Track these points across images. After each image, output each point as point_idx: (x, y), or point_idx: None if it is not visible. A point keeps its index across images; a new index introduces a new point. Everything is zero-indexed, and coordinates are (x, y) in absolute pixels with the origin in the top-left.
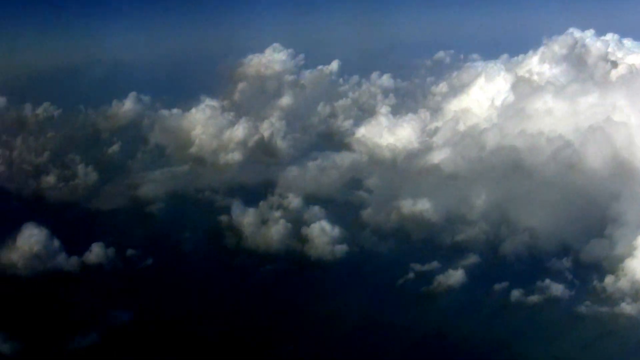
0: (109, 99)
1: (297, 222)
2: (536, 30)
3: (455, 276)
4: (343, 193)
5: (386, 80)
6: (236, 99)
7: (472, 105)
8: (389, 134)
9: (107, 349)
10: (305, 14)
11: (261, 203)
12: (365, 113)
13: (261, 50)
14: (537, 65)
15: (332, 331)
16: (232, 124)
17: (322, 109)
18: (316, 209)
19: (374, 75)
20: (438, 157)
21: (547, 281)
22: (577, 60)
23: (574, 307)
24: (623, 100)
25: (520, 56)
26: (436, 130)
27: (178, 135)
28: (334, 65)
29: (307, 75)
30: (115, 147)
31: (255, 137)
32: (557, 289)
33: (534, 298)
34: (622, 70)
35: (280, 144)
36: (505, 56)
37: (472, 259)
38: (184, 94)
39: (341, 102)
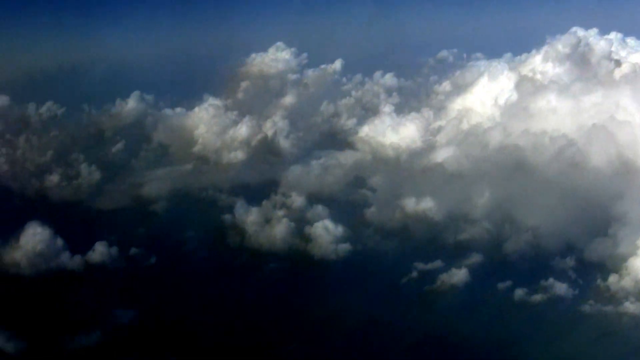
0: (112, 98)
1: (301, 221)
2: (539, 29)
3: (459, 275)
4: (346, 192)
5: (389, 79)
6: (239, 98)
7: (475, 104)
8: (393, 132)
9: (111, 348)
10: (309, 13)
11: (264, 202)
12: (368, 112)
13: (264, 49)
14: (540, 64)
15: (335, 330)
16: (235, 123)
17: (326, 108)
18: (319, 207)
19: (377, 74)
20: (441, 156)
21: (551, 280)
22: (580, 59)
23: (578, 306)
24: (627, 99)
25: (524, 55)
26: (439, 129)
27: (181, 134)
28: (337, 64)
29: (310, 74)
30: (118, 146)
31: (259, 136)
32: (561, 288)
33: (537, 297)
34: (626, 69)
35: (284, 143)
36: (508, 55)
37: (476, 258)
38: (187, 93)
39: (344, 101)
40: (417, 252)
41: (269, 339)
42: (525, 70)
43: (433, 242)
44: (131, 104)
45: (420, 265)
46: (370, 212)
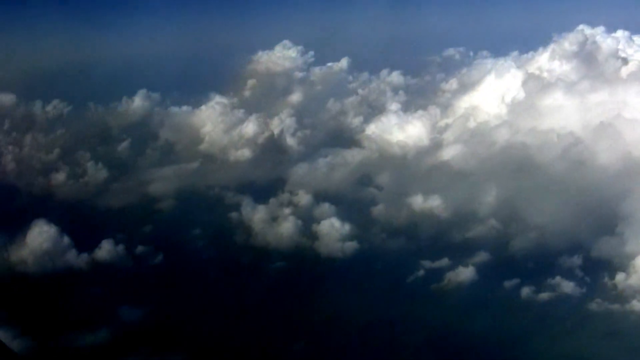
0: (118, 96)
1: (307, 219)
2: (546, 27)
3: (466, 273)
4: (353, 190)
5: (396, 77)
6: (246, 96)
7: (482, 102)
8: (399, 130)
9: (117, 346)
10: (315, 11)
11: (271, 200)
12: (375, 110)
13: (271, 47)
14: (547, 62)
15: (341, 328)
16: (241, 121)
17: (332, 106)
18: (326, 206)
19: (384, 72)
20: (448, 153)
21: (558, 278)
22: (587, 57)
23: (585, 304)
24: (633, 96)
25: (530, 53)
26: (446, 127)
27: (188, 132)
28: (344, 62)
29: (317, 72)
30: (125, 144)
31: (265, 134)
32: (568, 286)
33: (544, 295)
34: (633, 67)
35: (290, 141)
36: (515, 53)
37: (483, 256)
38: (194, 91)
39: (351, 99)
40: (424, 250)
41: (276, 338)
42: (532, 68)
43: (440, 240)
44: (137, 102)
45: (427, 263)
46: (377, 210)
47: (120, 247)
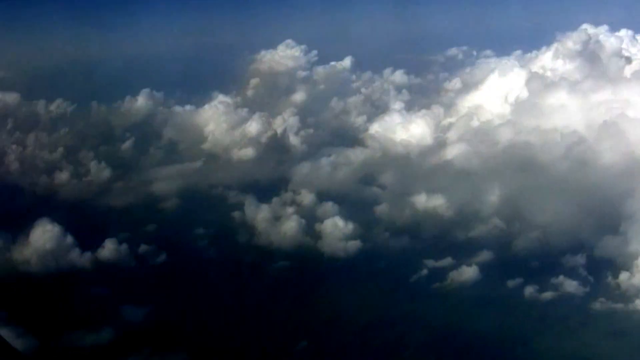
0: (122, 96)
1: (311, 218)
2: (549, 26)
3: (469, 272)
4: (356, 189)
5: (399, 76)
6: (249, 95)
7: (485, 101)
8: (403, 130)
9: (121, 345)
10: (318, 10)
11: (274, 199)
12: (378, 109)
13: (274, 46)
14: (550, 61)
15: (344, 328)
16: (245, 120)
17: (335, 105)
18: (329, 205)
19: (387, 71)
20: (451, 153)
21: (561, 277)
22: (590, 56)
23: (588, 303)
24: (637, 96)
25: (534, 52)
26: (450, 126)
27: (191, 132)
28: (347, 61)
29: (320, 71)
30: (128, 144)
31: (268, 133)
32: (571, 285)
33: (547, 295)
34: (636, 66)
35: (293, 140)
36: (518, 52)
37: (486, 255)
38: (197, 90)
39: (354, 99)
40: (427, 249)
41: (279, 337)
42: (536, 67)
43: (443, 239)
44: (141, 101)
45: (431, 263)
46: (381, 209)
47: (124, 247)
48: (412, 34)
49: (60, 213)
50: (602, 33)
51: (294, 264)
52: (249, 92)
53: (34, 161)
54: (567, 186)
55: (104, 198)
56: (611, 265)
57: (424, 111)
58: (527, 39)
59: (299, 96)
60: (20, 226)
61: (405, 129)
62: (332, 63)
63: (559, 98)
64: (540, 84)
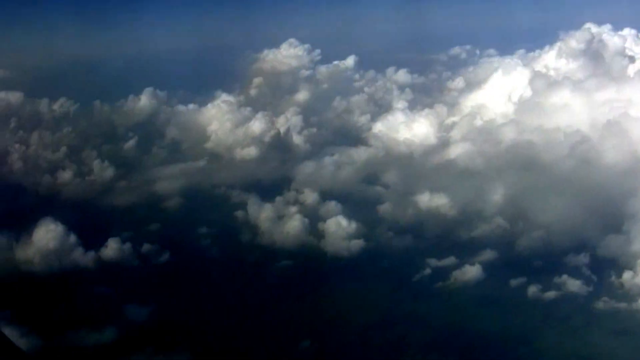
0: (125, 95)
1: (314, 218)
2: (552, 25)
3: (472, 272)
4: (359, 188)
5: (402, 75)
6: (252, 95)
7: (488, 100)
8: (406, 129)
9: (124, 344)
10: (321, 10)
11: (277, 198)
12: (381, 108)
13: (277, 45)
14: (554, 60)
15: (348, 326)
16: (248, 119)
17: (338, 104)
18: (332, 204)
19: (390, 70)
20: (455, 152)
21: (564, 277)
22: (594, 55)
23: (592, 303)
24: None
25: (537, 51)
26: (453, 125)
27: (194, 131)
28: (350, 60)
29: (323, 70)
30: (131, 143)
31: (272, 133)
32: (574, 284)
33: (551, 294)
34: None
35: (297, 139)
36: (521, 51)
37: (489, 254)
38: (200, 90)
39: (357, 98)
40: (430, 248)
41: (282, 336)
42: (539, 66)
43: (446, 238)
44: (144, 101)
45: (434, 262)
46: (384, 209)
47: (127, 246)
48: (415, 33)
49: (64, 212)
50: (605, 32)
51: (297, 263)
52: (252, 91)
53: (37, 160)
54: (570, 185)
55: (107, 197)
56: (614, 265)
57: (427, 110)
58: (530, 38)
59: (302, 95)
60: (23, 225)
61: (409, 128)
62: (335, 62)
63: (562, 97)
64: (543, 83)
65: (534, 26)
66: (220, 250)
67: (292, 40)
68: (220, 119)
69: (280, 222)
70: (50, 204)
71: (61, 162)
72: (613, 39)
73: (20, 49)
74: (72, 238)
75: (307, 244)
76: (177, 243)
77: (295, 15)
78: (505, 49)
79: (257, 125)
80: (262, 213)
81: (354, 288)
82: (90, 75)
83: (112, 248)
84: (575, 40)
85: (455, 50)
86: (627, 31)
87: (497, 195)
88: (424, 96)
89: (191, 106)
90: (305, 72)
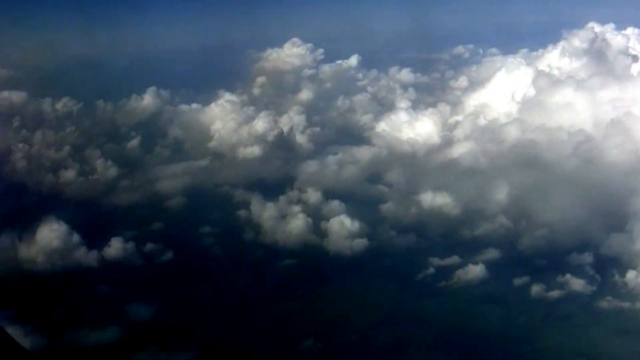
0: (128, 94)
1: (317, 217)
2: (556, 24)
3: (475, 271)
4: (362, 187)
5: (405, 74)
6: (255, 94)
7: (492, 99)
8: (409, 128)
9: (127, 343)
10: (324, 9)
11: (280, 197)
12: (384, 107)
13: (280, 44)
14: (557, 59)
15: (351, 326)
16: (251, 118)
17: (342, 103)
18: (336, 203)
19: (393, 69)
20: (458, 151)
21: (568, 276)
22: (597, 54)
23: (595, 302)
24: None
25: (540, 50)
26: (456, 124)
27: (197, 130)
28: (353, 60)
29: (326, 69)
30: (134, 142)
31: (275, 132)
32: (578, 284)
33: (554, 293)
34: None
35: (300, 138)
36: (524, 50)
37: (492, 253)
38: (203, 89)
39: (360, 97)
40: (433, 247)
41: (285, 335)
42: (542, 65)
43: (449, 237)
44: (147, 100)
45: (437, 261)
46: (387, 208)
47: (130, 245)
48: (417, 32)
49: (67, 211)
50: (608, 31)
51: (300, 262)
52: (255, 91)
53: (40, 159)
54: (574, 184)
55: (110, 196)
56: (618, 264)
57: (430, 109)
58: (534, 37)
59: (305, 94)
60: (26, 224)
61: (412, 127)
62: (338, 61)
63: (566, 96)
64: (546, 82)
65: (537, 25)
66: (223, 250)
67: (295, 39)
68: (223, 118)
69: (283, 221)
70: (53, 203)
71: (64, 161)
72: (616, 38)
73: (23, 49)
74: (75, 237)
75: (310, 243)
76: (180, 242)
77: (298, 14)
78: (508, 48)
79: (260, 124)
80: (265, 212)
81: (356, 287)
82: (93, 74)
83: (115, 247)
84: (578, 40)
85: (459, 49)
86: (630, 30)
87: (500, 194)
88: (427, 95)
89: (194, 105)
90: (308, 72)
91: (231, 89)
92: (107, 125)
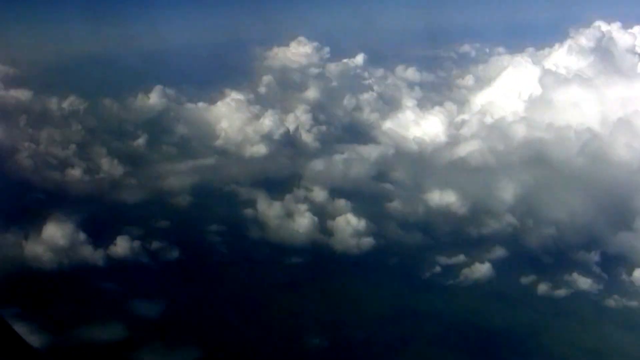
0: (134, 93)
1: (323, 215)
2: (562, 23)
3: (482, 269)
4: (369, 186)
5: (411, 73)
6: (261, 92)
7: (499, 98)
8: (416, 126)
9: (133, 341)
10: (330, 8)
11: (287, 196)
12: (390, 106)
13: (286, 43)
14: (564, 57)
15: (357, 324)
16: (257, 117)
17: (348, 102)
18: (342, 201)
19: (399, 68)
20: (465, 149)
21: (575, 274)
22: (604, 52)
23: (602, 300)
24: None
25: (547, 49)
26: (463, 123)
27: (203, 128)
28: (359, 58)
29: (332, 68)
30: (140, 140)
31: (281, 130)
32: (585, 282)
33: (561, 292)
34: None
35: (306, 136)
36: (531, 49)
37: (499, 252)
38: (210, 88)
39: (366, 95)
40: (440, 246)
41: (292, 333)
42: (549, 63)
43: (456, 236)
44: (153, 98)
45: (444, 260)
46: (393, 206)
47: (136, 243)
48: (423, 31)
49: (73, 210)
50: (615, 30)
51: (306, 261)
52: (262, 89)
53: (46, 158)
54: (581, 183)
55: (117, 194)
56: (625, 262)
57: (437, 108)
58: (540, 36)
59: (311, 93)
60: (32, 223)
61: (418, 126)
62: (345, 60)
63: (573, 95)
64: (553, 80)
65: (544, 24)
66: (229, 248)
67: (301, 38)
68: (229, 117)
69: (290, 220)
70: (59, 202)
71: (70, 159)
72: (623, 36)
73: (29, 47)
74: (81, 235)
75: (316, 242)
76: (187, 240)
77: (304, 13)
78: (515, 46)
79: (266, 123)
80: (271, 210)
81: (363, 285)
82: (100, 72)
83: (121, 245)
84: (585, 38)
85: (465, 48)
86: (636, 29)
87: (507, 192)
88: (433, 94)
89: (200, 104)
90: (314, 70)
91: (237, 88)
92: (113, 123)
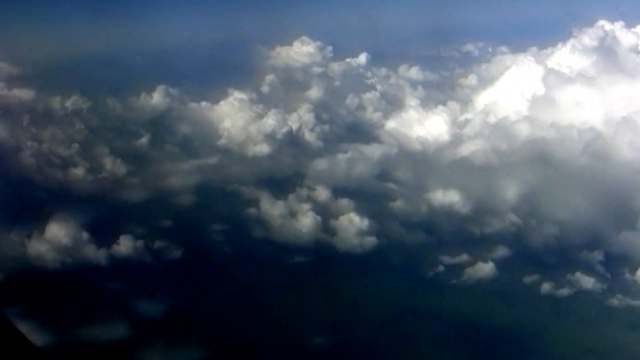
0: (137, 92)
1: (326, 215)
2: (565, 22)
3: (485, 269)
4: (372, 185)
5: (414, 72)
6: (264, 92)
7: (502, 97)
8: (419, 126)
9: (136, 341)
10: (333, 7)
11: (290, 195)
12: (393, 105)
13: (289, 42)
14: (567, 57)
15: (360, 324)
16: (260, 116)
17: (351, 101)
18: (345, 201)
19: (403, 67)
20: (468, 149)
21: (578, 274)
22: (607, 51)
23: (606, 300)
24: None
25: (550, 48)
26: (466, 122)
27: (206, 128)
28: (362, 58)
29: (336, 67)
30: (143, 140)
31: (284, 130)
32: (588, 282)
33: (564, 291)
34: None
35: (309, 136)
36: (534, 49)
37: (502, 251)
38: (213, 87)
39: (369, 95)
40: (443, 245)
41: (295, 333)
42: (552, 63)
43: (459, 235)
44: (156, 98)
45: (447, 259)
46: (396, 206)
47: (139, 242)
48: (426, 31)
49: (76, 209)
50: (618, 29)
51: (309, 260)
52: (265, 89)
53: (49, 157)
54: (584, 182)
55: (119, 194)
56: (628, 262)
57: (440, 107)
58: (543, 35)
59: (314, 92)
60: (35, 222)
61: (421, 125)
62: (348, 59)
63: (576, 94)
64: (556, 80)
65: (546, 23)
66: (232, 247)
67: (304, 37)
68: (232, 116)
69: (293, 219)
70: (62, 201)
71: (73, 158)
72: (626, 35)
73: (32, 46)
74: (84, 235)
75: (319, 241)
76: (190, 240)
77: (307, 12)
78: (518, 46)
79: (269, 122)
80: (274, 210)
81: (366, 285)
82: (103, 71)
83: (124, 245)
84: (588, 37)
85: (468, 47)
86: None
87: (510, 192)
88: (436, 93)
89: (203, 103)
90: (317, 70)
91: (240, 87)
92: (116, 122)
